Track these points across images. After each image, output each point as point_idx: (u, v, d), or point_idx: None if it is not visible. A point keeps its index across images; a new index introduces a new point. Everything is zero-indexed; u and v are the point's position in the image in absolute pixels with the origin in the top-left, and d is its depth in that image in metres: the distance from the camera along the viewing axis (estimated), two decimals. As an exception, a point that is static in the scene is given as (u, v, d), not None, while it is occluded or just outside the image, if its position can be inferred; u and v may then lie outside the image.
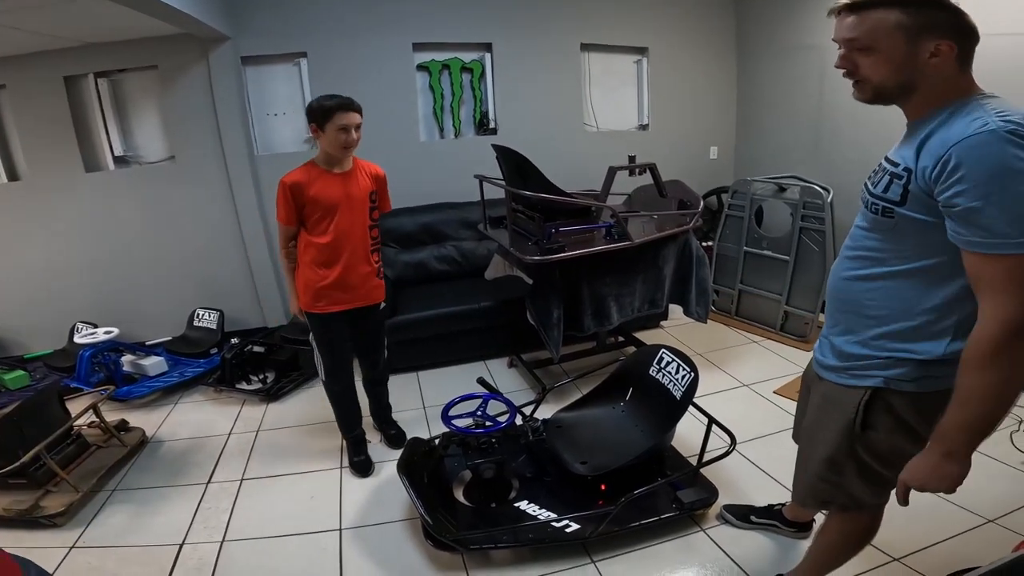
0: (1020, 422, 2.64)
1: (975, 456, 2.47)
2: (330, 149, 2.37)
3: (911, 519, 2.05)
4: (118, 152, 3.96)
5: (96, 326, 3.72)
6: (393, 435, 2.94)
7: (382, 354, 2.81)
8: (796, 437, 1.79)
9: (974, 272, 1.06)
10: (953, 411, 1.13)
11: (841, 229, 3.59)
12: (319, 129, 2.32)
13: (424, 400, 3.37)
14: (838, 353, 1.37)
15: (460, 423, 2.40)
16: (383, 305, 2.70)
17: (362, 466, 2.71)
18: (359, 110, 2.34)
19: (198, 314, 4.09)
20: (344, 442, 2.83)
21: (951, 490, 1.17)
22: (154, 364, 3.57)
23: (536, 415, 2.68)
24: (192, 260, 4.11)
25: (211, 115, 3.82)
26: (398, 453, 2.45)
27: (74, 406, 2.83)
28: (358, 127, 2.34)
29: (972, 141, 0.99)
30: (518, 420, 2.62)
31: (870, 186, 1.24)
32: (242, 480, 2.69)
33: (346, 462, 2.76)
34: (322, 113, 2.27)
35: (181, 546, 2.26)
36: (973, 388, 1.08)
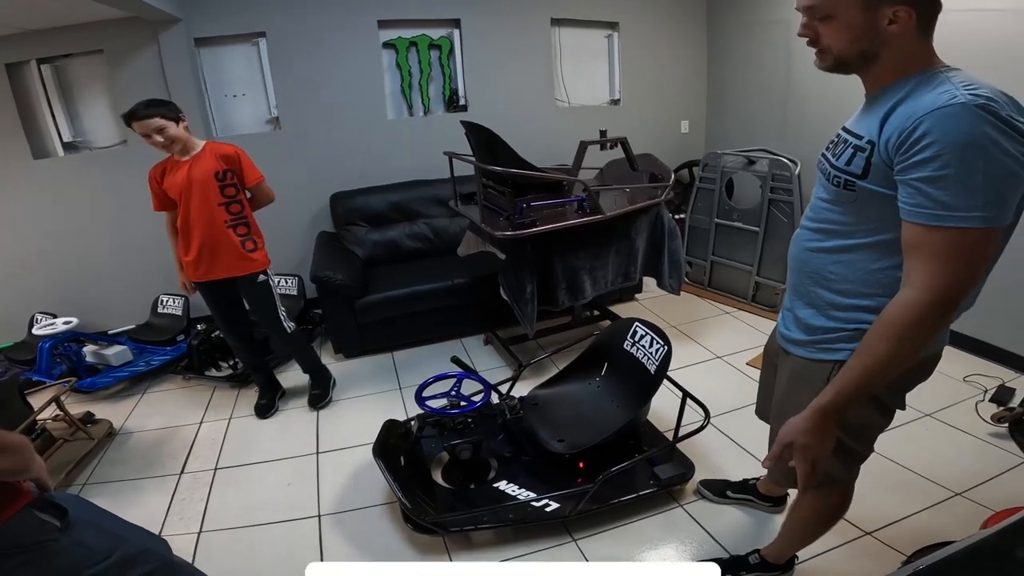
0: (985, 391, 2.70)
1: (943, 428, 2.54)
2: None
3: (881, 493, 2.11)
4: (67, 138, 3.80)
5: (55, 316, 3.60)
6: (314, 395, 3.14)
7: (279, 329, 2.93)
8: (760, 413, 1.80)
9: (913, 241, 1.05)
10: (852, 363, 1.14)
11: (809, 200, 3.64)
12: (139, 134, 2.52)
13: (399, 380, 3.34)
14: (804, 326, 1.36)
15: (435, 404, 2.38)
16: (262, 278, 2.83)
17: (260, 409, 3.06)
18: (155, 115, 2.47)
19: (162, 300, 3.98)
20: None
21: (800, 445, 1.17)
22: (117, 353, 3.46)
23: (513, 392, 2.67)
24: (153, 245, 3.94)
25: (164, 98, 3.66)
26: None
27: (36, 400, 2.74)
28: (160, 130, 2.49)
29: (941, 113, 0.98)
30: (494, 398, 2.61)
31: (831, 158, 1.23)
32: (216, 469, 2.65)
33: (323, 447, 2.74)
34: (125, 122, 2.50)
35: (156, 539, 2.22)
36: (879, 348, 1.09)
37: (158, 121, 2.48)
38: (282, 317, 2.92)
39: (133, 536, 1.33)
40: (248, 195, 2.78)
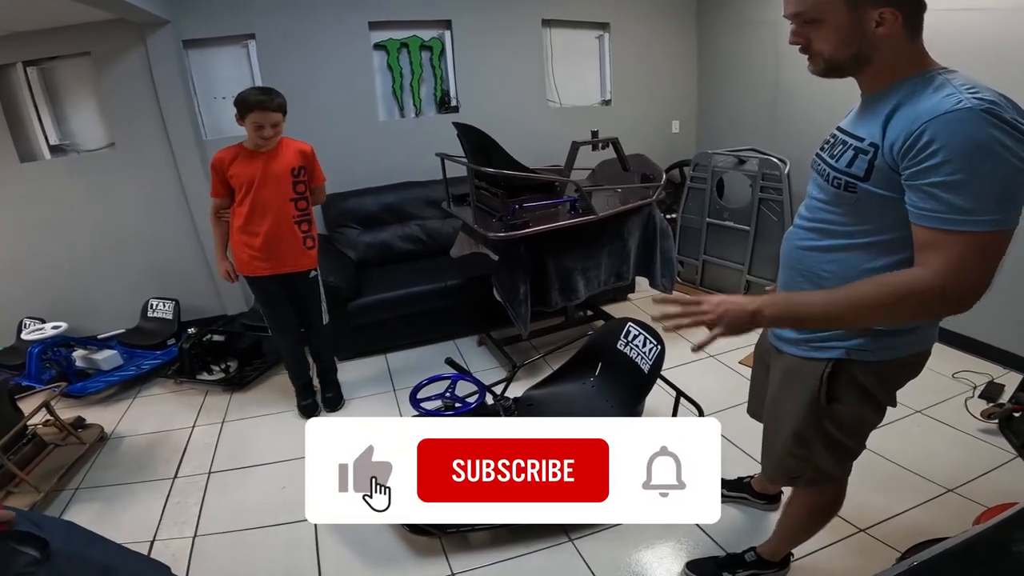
0: (974, 387, 2.73)
1: (933, 424, 2.55)
2: (248, 138, 2.59)
3: (873, 490, 2.13)
4: (53, 141, 3.77)
5: (44, 321, 3.57)
6: (328, 398, 3.13)
7: (318, 319, 2.98)
8: (751, 412, 1.81)
9: (924, 243, 1.05)
10: (820, 294, 1.17)
11: (798, 199, 3.64)
12: (241, 119, 2.53)
13: (394, 382, 3.33)
14: None
15: (429, 406, 2.37)
16: (313, 273, 2.88)
17: (306, 409, 3.05)
18: (279, 109, 2.53)
19: (152, 304, 3.95)
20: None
21: (724, 327, 1.23)
22: (107, 358, 3.43)
23: (507, 393, 2.67)
24: (142, 249, 3.95)
25: (152, 101, 3.63)
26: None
27: (26, 405, 2.72)
28: (275, 125, 2.53)
29: (948, 118, 0.99)
30: (489, 399, 2.61)
31: (829, 159, 1.22)
32: (210, 473, 2.64)
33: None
34: (243, 107, 2.50)
35: (152, 543, 2.21)
36: (863, 291, 1.09)
37: (279, 116, 2.53)
38: (324, 310, 2.99)
39: (127, 567, 1.30)
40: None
